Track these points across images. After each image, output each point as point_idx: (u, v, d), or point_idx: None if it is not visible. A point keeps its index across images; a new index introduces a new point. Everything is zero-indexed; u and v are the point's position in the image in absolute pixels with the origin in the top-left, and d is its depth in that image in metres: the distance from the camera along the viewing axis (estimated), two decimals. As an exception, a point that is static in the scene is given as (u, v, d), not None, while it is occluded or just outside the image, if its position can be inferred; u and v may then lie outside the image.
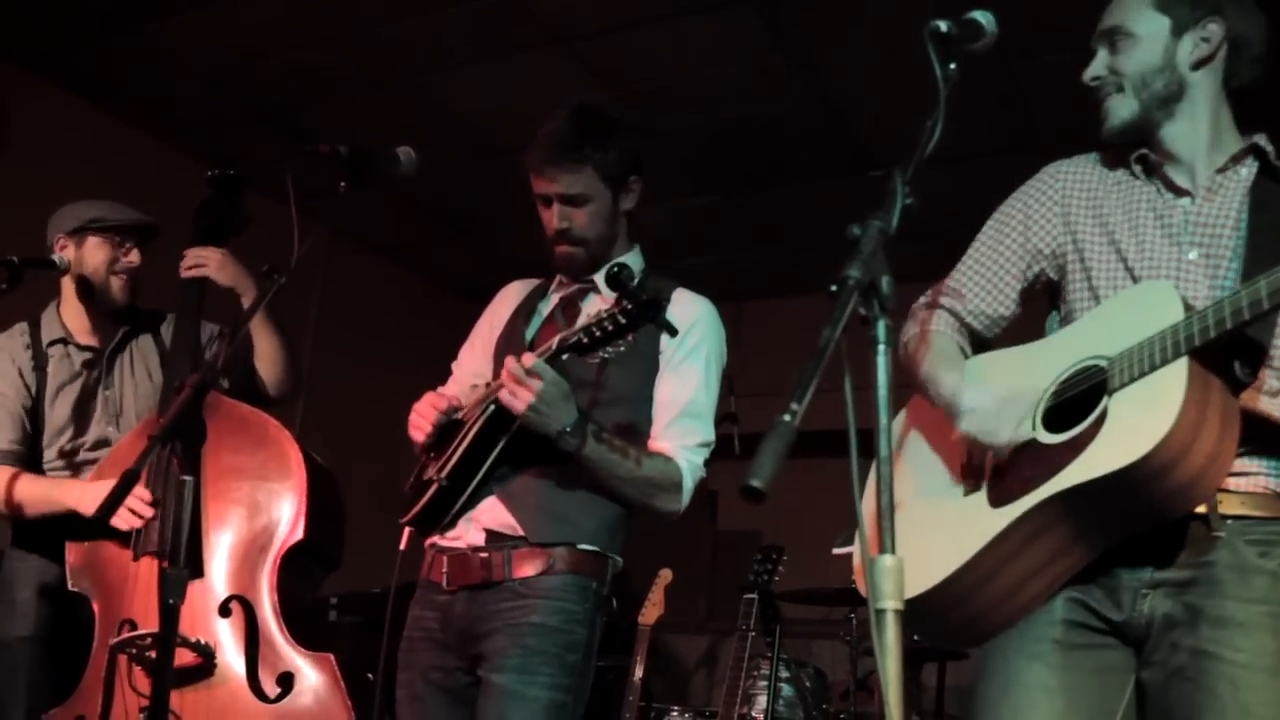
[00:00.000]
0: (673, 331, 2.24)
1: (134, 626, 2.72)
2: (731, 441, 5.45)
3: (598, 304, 2.45)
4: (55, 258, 3.14)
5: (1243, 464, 1.85)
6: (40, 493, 3.00)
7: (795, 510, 5.30)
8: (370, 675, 3.62)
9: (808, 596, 4.79)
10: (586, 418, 2.37)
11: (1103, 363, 1.86)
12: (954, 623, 1.98)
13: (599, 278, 2.52)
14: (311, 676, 2.70)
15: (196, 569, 2.76)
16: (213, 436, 2.82)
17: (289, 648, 2.73)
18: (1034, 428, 1.91)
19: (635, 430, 2.50)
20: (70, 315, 3.24)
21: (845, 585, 4.24)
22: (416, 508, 2.50)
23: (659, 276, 2.63)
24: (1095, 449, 1.78)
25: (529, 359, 2.26)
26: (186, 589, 2.16)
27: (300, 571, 2.91)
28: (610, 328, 2.16)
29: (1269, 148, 1.99)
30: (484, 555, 2.42)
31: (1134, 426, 1.73)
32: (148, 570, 2.75)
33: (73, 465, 3.14)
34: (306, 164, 2.57)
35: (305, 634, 2.79)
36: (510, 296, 2.80)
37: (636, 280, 2.18)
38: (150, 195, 3.40)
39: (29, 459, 3.11)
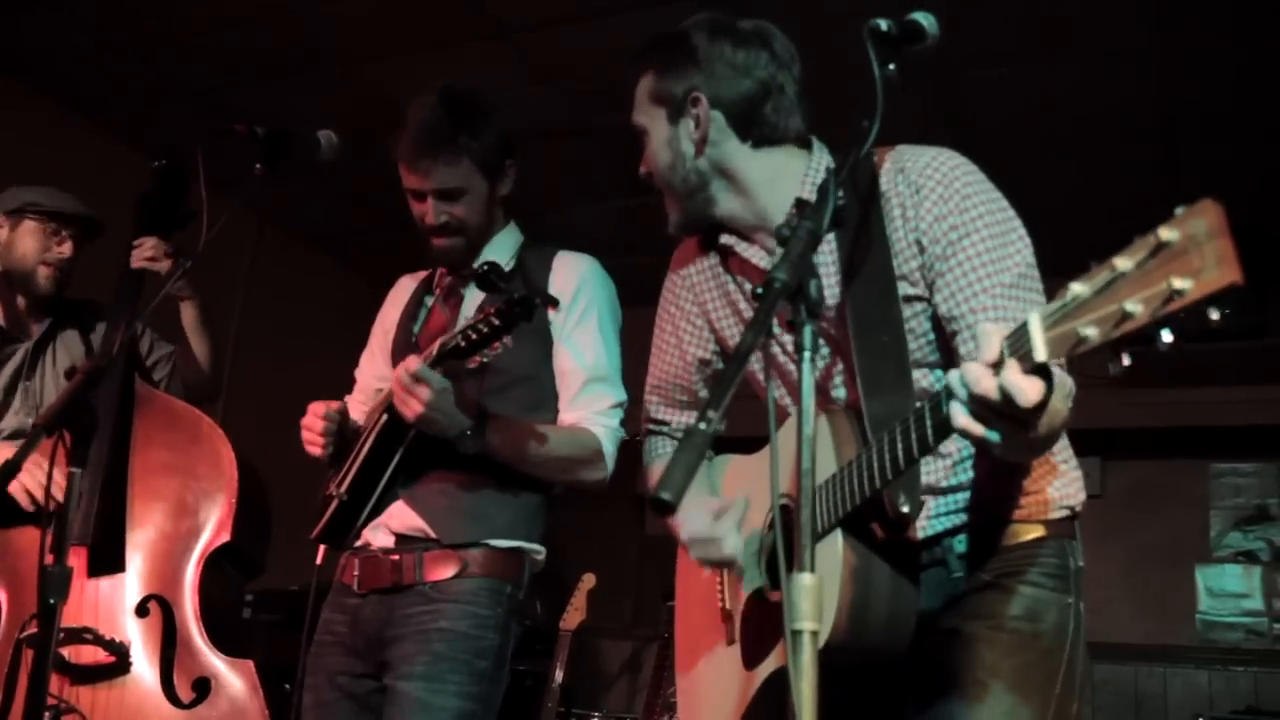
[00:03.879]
0: (554, 303, 2.19)
1: (45, 622, 2.60)
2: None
3: (479, 293, 2.40)
4: None
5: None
6: None
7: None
8: (288, 686, 3.52)
9: (733, 603, 4.76)
10: (485, 412, 2.30)
11: (790, 503, 1.76)
12: None
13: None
14: (229, 684, 2.62)
15: (117, 564, 2.67)
16: (143, 431, 2.75)
17: (208, 652, 2.64)
18: (763, 572, 1.88)
19: (541, 408, 2.45)
20: None
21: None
22: (320, 524, 2.42)
23: (537, 245, 2.56)
24: None
25: (413, 364, 2.17)
26: (69, 588, 2.04)
27: (223, 575, 2.83)
28: (485, 330, 2.09)
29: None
30: (395, 558, 2.36)
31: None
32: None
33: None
34: (230, 147, 2.47)
35: (222, 634, 2.70)
36: (399, 295, 2.73)
37: (507, 272, 2.18)
38: (70, 174, 3.27)
39: None
